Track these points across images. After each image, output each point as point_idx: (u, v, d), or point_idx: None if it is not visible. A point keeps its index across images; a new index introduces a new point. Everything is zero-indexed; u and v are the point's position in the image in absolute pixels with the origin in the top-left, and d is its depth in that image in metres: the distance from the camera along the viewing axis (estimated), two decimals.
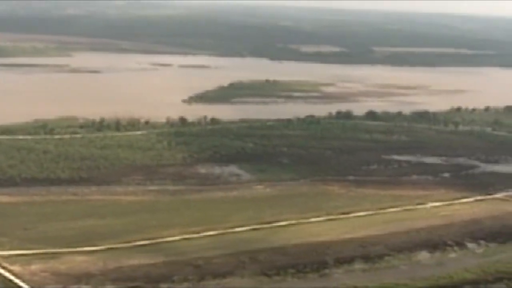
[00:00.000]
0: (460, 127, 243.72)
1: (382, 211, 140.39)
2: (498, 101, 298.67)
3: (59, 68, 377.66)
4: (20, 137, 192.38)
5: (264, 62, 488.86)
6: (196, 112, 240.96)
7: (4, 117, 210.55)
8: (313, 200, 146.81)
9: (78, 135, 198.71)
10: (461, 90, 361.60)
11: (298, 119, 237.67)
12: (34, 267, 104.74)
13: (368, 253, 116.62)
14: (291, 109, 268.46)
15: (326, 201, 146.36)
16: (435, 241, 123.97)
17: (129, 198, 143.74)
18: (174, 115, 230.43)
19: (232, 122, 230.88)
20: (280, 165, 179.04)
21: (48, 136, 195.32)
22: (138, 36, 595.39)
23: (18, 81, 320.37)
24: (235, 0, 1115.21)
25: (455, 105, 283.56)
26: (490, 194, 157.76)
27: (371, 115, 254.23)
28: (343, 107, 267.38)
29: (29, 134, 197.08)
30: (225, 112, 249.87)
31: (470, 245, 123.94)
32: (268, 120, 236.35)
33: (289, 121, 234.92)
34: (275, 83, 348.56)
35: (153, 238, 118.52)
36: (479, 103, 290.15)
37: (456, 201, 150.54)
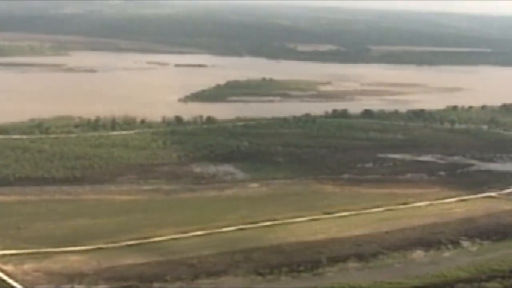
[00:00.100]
0: (456, 126, 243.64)
1: (376, 209, 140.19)
2: (495, 99, 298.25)
3: (56, 67, 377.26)
4: (15, 136, 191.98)
5: (261, 61, 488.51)
6: (192, 111, 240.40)
7: None
8: (308, 198, 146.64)
9: (73, 134, 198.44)
10: (458, 88, 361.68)
11: (294, 117, 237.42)
12: (26, 266, 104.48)
13: (362, 251, 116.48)
14: (287, 107, 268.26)
15: (321, 199, 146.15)
16: (429, 240, 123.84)
17: (123, 198, 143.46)
18: (170, 114, 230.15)
19: (227, 121, 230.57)
20: (275, 164, 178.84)
21: (43, 135, 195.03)
22: (135, 35, 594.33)
23: (14, 80, 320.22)
24: (233, 0, 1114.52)
25: (452, 104, 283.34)
26: (485, 193, 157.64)
27: (367, 113, 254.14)
28: (340, 105, 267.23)
29: (24, 133, 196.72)
30: (221, 111, 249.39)
31: (465, 243, 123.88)
32: (264, 119, 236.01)
33: (284, 119, 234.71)
34: (271, 82, 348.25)
35: (146, 238, 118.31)
36: (476, 101, 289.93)
37: (451, 200, 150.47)
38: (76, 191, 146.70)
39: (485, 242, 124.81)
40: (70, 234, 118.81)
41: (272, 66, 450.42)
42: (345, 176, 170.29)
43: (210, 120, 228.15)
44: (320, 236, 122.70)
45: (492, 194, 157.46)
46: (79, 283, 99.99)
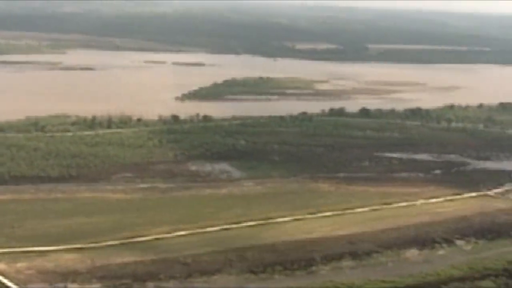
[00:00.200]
0: (453, 124, 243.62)
1: (371, 208, 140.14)
2: (492, 98, 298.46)
3: (52, 66, 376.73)
4: (11, 134, 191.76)
5: (259, 59, 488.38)
6: (189, 109, 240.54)
7: None
8: (303, 197, 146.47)
9: (69, 133, 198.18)
10: (455, 87, 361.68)
11: (291, 116, 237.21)
12: (20, 265, 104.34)
13: (356, 250, 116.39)
14: (284, 106, 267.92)
15: (316, 198, 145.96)
16: (423, 238, 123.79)
17: (118, 196, 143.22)
18: (167, 112, 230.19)
19: (224, 119, 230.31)
20: (271, 162, 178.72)
21: (39, 134, 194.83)
22: (133, 34, 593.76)
23: (11, 78, 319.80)
24: None
25: (449, 102, 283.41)
26: (480, 191, 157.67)
27: (364, 112, 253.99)
28: (337, 104, 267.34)
29: (20, 131, 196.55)
30: (218, 110, 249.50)
31: (459, 242, 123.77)
32: (261, 117, 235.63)
33: (281, 118, 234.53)
34: (268, 80, 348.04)
35: (141, 236, 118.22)
36: (473, 100, 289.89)
37: (446, 198, 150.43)
38: (71, 190, 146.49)
39: (480, 241, 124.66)
40: (64, 233, 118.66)
41: (270, 64, 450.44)
42: (341, 174, 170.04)
43: (206, 118, 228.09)
44: (314, 235, 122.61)
45: (488, 192, 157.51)
46: (73, 282, 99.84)
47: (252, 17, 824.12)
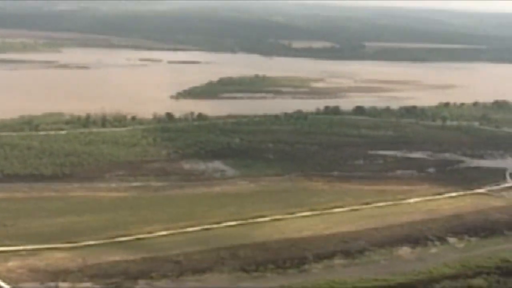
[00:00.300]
0: (448, 122, 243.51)
1: (365, 206, 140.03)
2: (487, 96, 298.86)
3: (48, 64, 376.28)
4: (4, 133, 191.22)
5: (255, 57, 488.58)
6: (184, 108, 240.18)
7: None
8: (297, 195, 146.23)
9: (63, 131, 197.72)
10: (451, 85, 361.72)
11: (286, 114, 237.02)
12: (11, 264, 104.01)
13: (349, 248, 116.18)
14: (279, 104, 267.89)
15: (310, 196, 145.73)
16: (416, 236, 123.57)
17: (112, 195, 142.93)
18: (161, 111, 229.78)
19: (219, 118, 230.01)
20: (265, 161, 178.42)
21: (33, 133, 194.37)
22: (128, 32, 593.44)
23: (5, 77, 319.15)
24: None
25: (444, 100, 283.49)
26: (474, 189, 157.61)
27: (359, 110, 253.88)
28: (332, 102, 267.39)
29: (14, 130, 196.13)
30: (213, 108, 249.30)
31: (452, 240, 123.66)
32: (256, 116, 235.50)
33: (276, 116, 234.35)
34: (264, 78, 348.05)
35: (133, 235, 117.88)
36: (468, 98, 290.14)
37: (439, 196, 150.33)
38: (64, 188, 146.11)
39: (473, 239, 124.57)
40: (56, 231, 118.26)
41: (266, 62, 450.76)
42: (335, 173, 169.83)
43: (201, 117, 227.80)
44: (306, 233, 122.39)
45: (482, 190, 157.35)
46: (64, 280, 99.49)
47: (248, 15, 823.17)
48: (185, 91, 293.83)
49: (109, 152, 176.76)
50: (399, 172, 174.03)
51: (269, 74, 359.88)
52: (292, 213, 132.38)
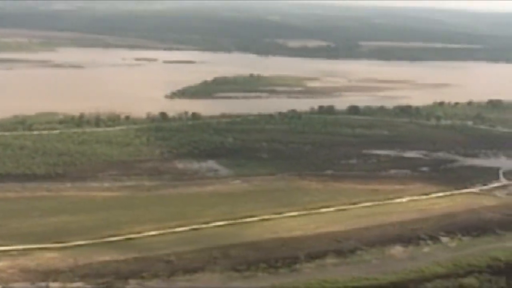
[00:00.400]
0: (442, 121, 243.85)
1: (358, 205, 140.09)
2: (482, 95, 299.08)
3: (42, 63, 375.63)
4: None
5: (251, 57, 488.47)
6: (178, 107, 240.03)
7: None
8: (290, 194, 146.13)
9: (57, 131, 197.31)
10: (446, 84, 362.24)
11: (280, 113, 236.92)
12: (2, 264, 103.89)
13: (341, 247, 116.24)
14: (274, 103, 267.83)
15: (303, 195, 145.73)
16: (408, 235, 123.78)
17: (104, 194, 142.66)
18: (156, 110, 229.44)
19: (213, 117, 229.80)
20: (259, 160, 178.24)
21: (26, 132, 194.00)
22: (124, 32, 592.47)
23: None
24: None
25: (439, 100, 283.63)
26: (467, 188, 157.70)
27: (353, 109, 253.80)
28: (327, 102, 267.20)
29: (7, 130, 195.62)
30: (207, 107, 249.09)
31: (444, 239, 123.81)
32: (250, 115, 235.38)
33: (270, 116, 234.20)
34: (259, 78, 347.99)
35: (125, 234, 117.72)
36: (463, 97, 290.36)
37: (432, 195, 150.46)
38: (57, 188, 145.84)
39: (465, 238, 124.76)
40: (48, 231, 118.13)
41: (261, 62, 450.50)
42: (329, 172, 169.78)
43: (195, 116, 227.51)
44: (299, 232, 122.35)
45: (474, 190, 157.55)
46: (54, 280, 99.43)
47: (244, 15, 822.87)
48: (179, 90, 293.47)
49: (103, 151, 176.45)
50: (392, 171, 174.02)
51: (264, 73, 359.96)
52: (285, 213, 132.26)
